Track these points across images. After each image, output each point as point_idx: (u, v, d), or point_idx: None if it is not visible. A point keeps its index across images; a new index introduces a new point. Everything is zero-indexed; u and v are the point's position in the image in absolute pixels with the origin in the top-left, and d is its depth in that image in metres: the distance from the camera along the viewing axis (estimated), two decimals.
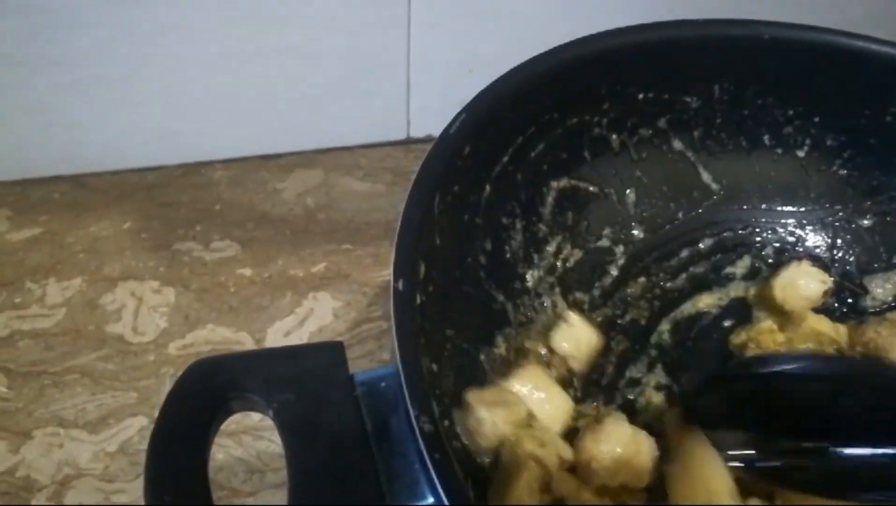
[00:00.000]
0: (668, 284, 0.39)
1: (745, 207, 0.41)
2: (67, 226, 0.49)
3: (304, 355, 0.23)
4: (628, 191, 0.39)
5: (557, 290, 0.37)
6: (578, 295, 0.38)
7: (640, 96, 0.37)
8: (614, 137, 0.38)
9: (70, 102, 0.48)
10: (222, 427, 0.40)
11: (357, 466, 0.21)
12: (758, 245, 0.40)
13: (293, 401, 0.22)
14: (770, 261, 0.40)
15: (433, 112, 0.54)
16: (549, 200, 0.37)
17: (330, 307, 0.46)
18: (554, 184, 0.37)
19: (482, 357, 0.32)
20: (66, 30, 0.45)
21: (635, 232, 0.39)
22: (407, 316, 0.24)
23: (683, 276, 0.39)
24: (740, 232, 0.40)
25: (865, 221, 0.40)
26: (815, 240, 0.40)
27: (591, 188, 0.38)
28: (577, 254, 0.38)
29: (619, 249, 0.39)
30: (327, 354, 0.23)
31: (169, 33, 0.46)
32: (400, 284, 0.25)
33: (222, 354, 0.23)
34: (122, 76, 0.48)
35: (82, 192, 0.51)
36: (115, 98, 0.49)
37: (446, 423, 0.24)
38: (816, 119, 0.39)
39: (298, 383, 0.22)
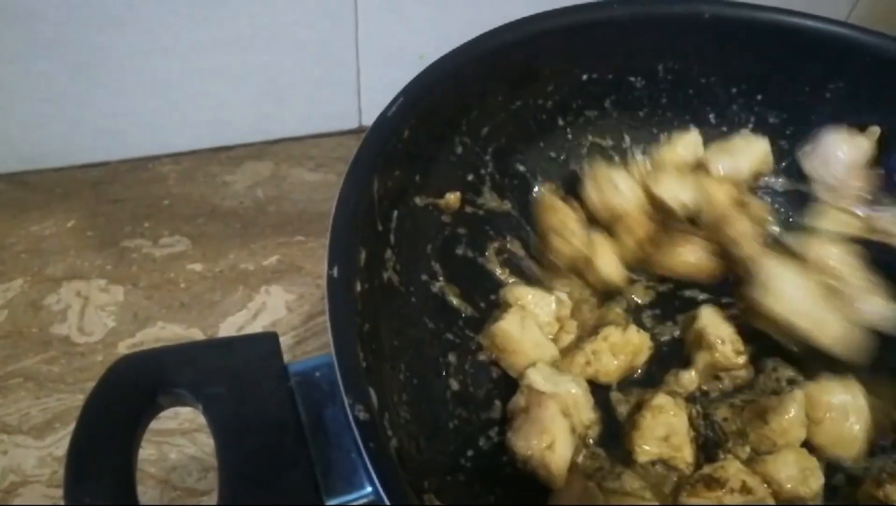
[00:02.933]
0: None
1: None
2: (7, 226, 0.47)
3: (236, 347, 0.23)
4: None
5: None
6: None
7: (585, 77, 0.37)
8: (560, 118, 0.38)
9: (8, 98, 0.46)
10: (174, 426, 0.40)
11: (289, 457, 0.20)
12: None
13: (223, 394, 0.21)
14: None
15: (385, 100, 0.53)
16: (493, 183, 0.37)
17: (283, 300, 0.45)
18: (500, 166, 0.37)
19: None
20: (7, 24, 0.43)
21: None
22: (342, 304, 0.23)
23: None
24: None
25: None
26: None
27: (537, 171, 0.38)
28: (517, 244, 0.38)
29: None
30: (261, 345, 0.23)
31: (113, 25, 0.45)
32: (335, 271, 0.24)
33: (150, 348, 0.23)
34: (65, 71, 0.46)
35: (23, 190, 0.49)
36: (58, 93, 0.47)
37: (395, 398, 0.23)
38: (759, 97, 0.39)
39: (229, 375, 0.22)
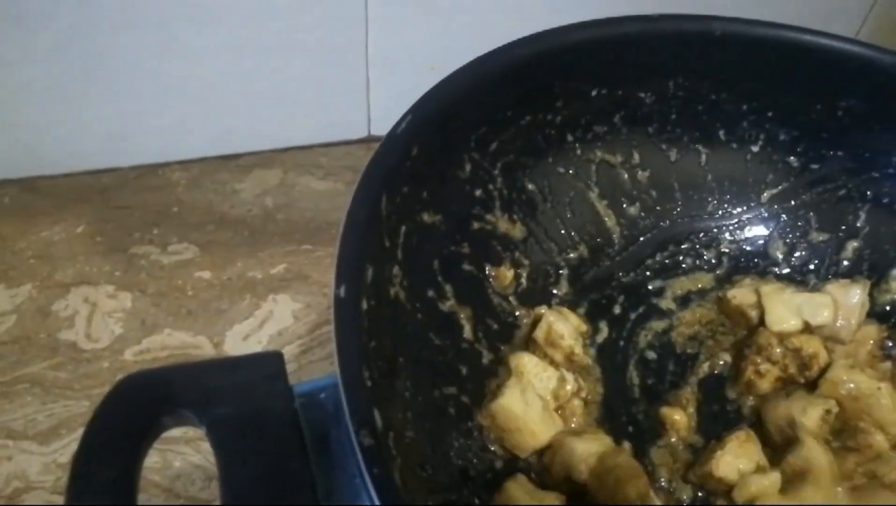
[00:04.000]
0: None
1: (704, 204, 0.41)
2: (17, 231, 0.48)
3: (240, 367, 0.23)
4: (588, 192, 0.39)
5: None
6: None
7: (594, 92, 0.37)
8: (569, 134, 0.37)
9: (18, 103, 0.47)
10: (178, 434, 0.40)
11: (294, 481, 0.20)
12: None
13: (227, 415, 0.21)
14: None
15: (394, 110, 0.52)
16: (502, 199, 0.36)
17: (290, 309, 0.46)
18: (509, 182, 0.37)
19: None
20: (15, 28, 0.43)
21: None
22: (349, 325, 0.23)
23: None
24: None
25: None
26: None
27: (546, 188, 0.38)
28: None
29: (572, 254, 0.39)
30: (266, 365, 0.23)
31: (122, 31, 0.45)
32: (342, 291, 0.24)
33: (154, 368, 0.23)
34: (74, 75, 0.46)
35: (33, 195, 0.50)
36: (67, 98, 0.47)
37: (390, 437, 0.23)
38: (770, 114, 0.39)
39: (234, 395, 0.22)
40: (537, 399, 0.32)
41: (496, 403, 0.32)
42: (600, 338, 0.37)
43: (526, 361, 0.33)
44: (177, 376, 0.22)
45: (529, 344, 0.35)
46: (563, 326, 0.35)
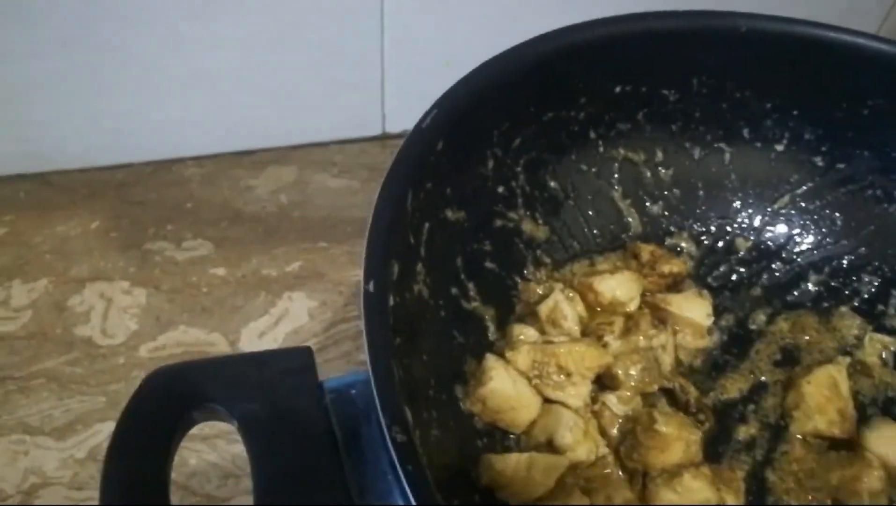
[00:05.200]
0: None
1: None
2: (33, 226, 0.47)
3: (270, 362, 0.22)
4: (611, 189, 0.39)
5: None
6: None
7: (618, 90, 0.36)
8: (591, 131, 0.37)
9: (34, 99, 0.47)
10: (194, 432, 0.40)
11: (324, 476, 0.20)
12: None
13: (259, 410, 0.21)
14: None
15: (409, 107, 0.52)
16: (525, 196, 0.36)
17: (305, 307, 0.45)
18: (531, 179, 0.36)
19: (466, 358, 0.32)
20: (29, 23, 0.43)
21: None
22: (378, 320, 0.23)
23: None
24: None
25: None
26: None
27: (568, 186, 0.37)
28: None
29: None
30: (295, 360, 0.23)
31: (138, 27, 0.45)
32: (371, 286, 0.24)
33: (184, 362, 0.22)
34: (88, 71, 0.46)
35: (48, 190, 0.49)
36: (82, 94, 0.47)
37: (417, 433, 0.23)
38: (795, 112, 0.38)
39: (264, 391, 0.21)
40: (520, 376, 0.33)
41: (486, 388, 0.32)
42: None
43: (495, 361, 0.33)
44: (207, 371, 0.22)
45: (529, 318, 0.35)
46: (569, 309, 0.34)
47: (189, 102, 0.50)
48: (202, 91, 0.49)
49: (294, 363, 0.22)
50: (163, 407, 0.21)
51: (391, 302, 0.25)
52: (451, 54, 0.51)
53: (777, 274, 0.40)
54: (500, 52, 0.32)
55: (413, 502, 0.19)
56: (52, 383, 0.41)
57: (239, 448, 0.39)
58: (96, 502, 0.36)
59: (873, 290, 0.39)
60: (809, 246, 0.40)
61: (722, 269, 0.39)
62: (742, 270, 0.40)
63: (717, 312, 0.38)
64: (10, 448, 0.38)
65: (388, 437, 0.20)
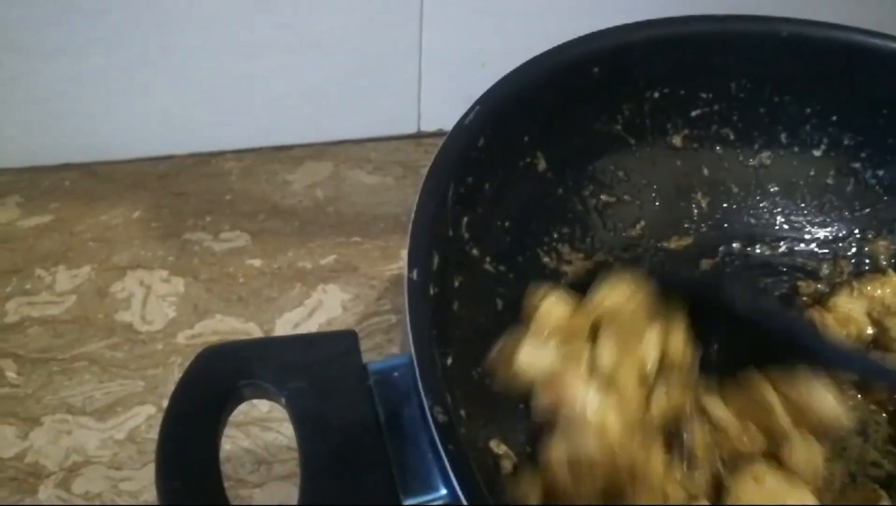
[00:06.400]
0: None
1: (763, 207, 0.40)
2: (77, 214, 0.49)
3: (317, 343, 0.23)
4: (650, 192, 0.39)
5: None
6: None
7: (656, 93, 0.37)
8: (629, 133, 0.37)
9: (81, 91, 0.48)
10: (230, 418, 0.41)
11: (369, 456, 0.21)
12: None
13: (305, 389, 0.21)
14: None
15: (444, 106, 0.54)
16: (564, 195, 0.37)
17: (339, 300, 0.46)
18: (567, 181, 0.37)
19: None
20: (77, 19, 0.45)
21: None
22: (421, 306, 0.24)
23: None
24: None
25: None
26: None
27: (605, 186, 0.38)
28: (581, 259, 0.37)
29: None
30: (341, 343, 0.23)
31: (181, 23, 0.46)
32: (414, 274, 0.24)
33: (234, 340, 0.23)
34: (133, 66, 0.47)
35: (93, 180, 0.51)
36: (127, 88, 0.49)
37: (461, 412, 0.24)
38: (834, 118, 0.38)
39: (311, 371, 0.22)
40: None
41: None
42: None
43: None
44: (255, 350, 0.22)
45: None
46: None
47: (230, 101, 0.51)
48: (242, 90, 0.50)
49: (340, 345, 0.23)
50: (214, 381, 0.21)
51: (431, 292, 0.26)
52: (487, 56, 0.52)
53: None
54: (534, 54, 0.33)
55: (454, 482, 0.20)
56: (94, 365, 0.42)
57: (272, 436, 0.40)
58: (133, 481, 0.38)
59: None
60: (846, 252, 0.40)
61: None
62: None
63: None
64: (53, 427, 0.39)
65: (430, 417, 0.20)
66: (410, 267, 0.24)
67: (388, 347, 0.44)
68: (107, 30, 0.45)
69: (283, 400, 0.22)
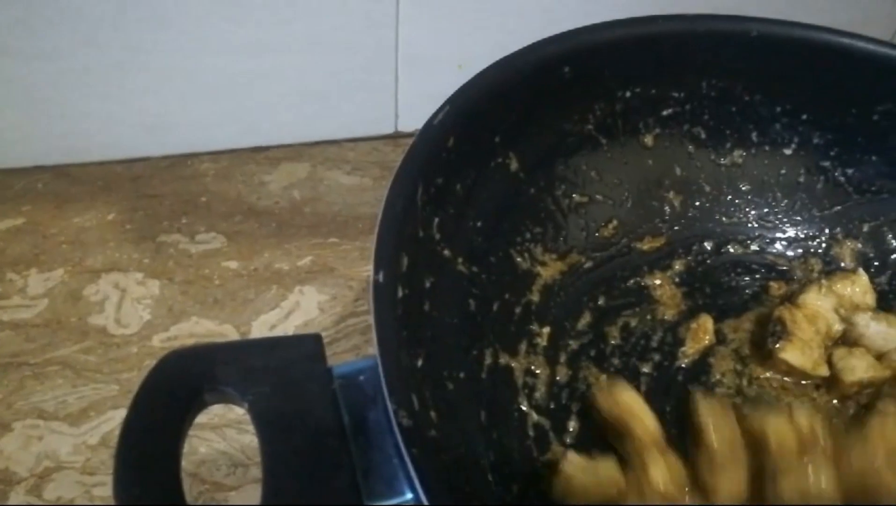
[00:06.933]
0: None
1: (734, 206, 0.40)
2: (50, 216, 0.48)
3: (281, 347, 0.23)
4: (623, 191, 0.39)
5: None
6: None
7: (627, 93, 0.37)
8: (601, 133, 0.37)
9: (53, 93, 0.48)
10: (204, 421, 0.40)
11: (333, 459, 0.21)
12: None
13: (269, 393, 0.21)
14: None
15: (422, 107, 0.53)
16: (536, 196, 0.37)
17: (315, 301, 0.46)
18: (538, 182, 0.37)
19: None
20: (51, 20, 0.44)
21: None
22: (387, 308, 0.24)
23: None
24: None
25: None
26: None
27: (577, 186, 0.38)
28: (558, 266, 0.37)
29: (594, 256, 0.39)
30: (305, 346, 0.23)
31: (157, 25, 0.46)
32: (380, 277, 0.24)
33: (196, 344, 0.23)
34: (107, 67, 0.47)
35: (66, 182, 0.50)
36: (100, 90, 0.48)
37: (432, 414, 0.24)
38: (804, 117, 0.39)
39: (274, 374, 0.22)
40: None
41: None
42: None
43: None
44: (218, 354, 0.22)
45: None
46: None
47: (207, 101, 0.50)
48: (220, 90, 0.50)
49: (303, 349, 0.23)
50: (176, 387, 0.21)
51: (400, 294, 0.26)
52: (464, 57, 0.51)
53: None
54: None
55: (418, 486, 0.20)
56: (67, 370, 0.41)
57: (248, 438, 0.40)
58: (107, 487, 0.37)
59: None
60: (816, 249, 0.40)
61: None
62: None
63: None
64: (24, 432, 0.39)
65: (394, 421, 0.20)
66: (376, 269, 0.24)
67: (365, 348, 0.44)
68: (80, 32, 0.45)
69: (245, 404, 0.22)
